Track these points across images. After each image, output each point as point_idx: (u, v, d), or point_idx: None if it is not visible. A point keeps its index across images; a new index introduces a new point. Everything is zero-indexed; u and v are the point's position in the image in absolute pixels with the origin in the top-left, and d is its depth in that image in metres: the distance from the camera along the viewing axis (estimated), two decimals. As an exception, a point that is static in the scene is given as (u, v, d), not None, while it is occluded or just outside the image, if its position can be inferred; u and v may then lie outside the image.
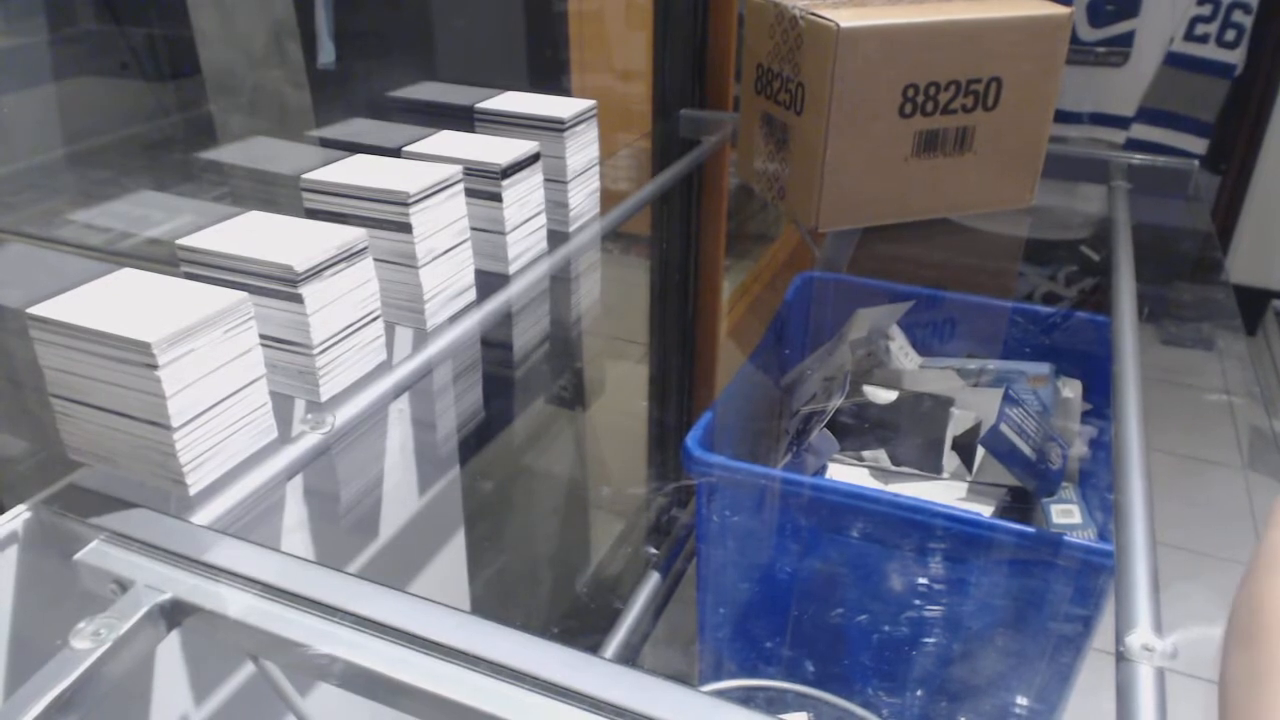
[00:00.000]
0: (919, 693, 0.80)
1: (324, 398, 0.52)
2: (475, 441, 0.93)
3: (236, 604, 0.41)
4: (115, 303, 0.44)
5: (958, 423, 0.84)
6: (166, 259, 0.52)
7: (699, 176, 1.13)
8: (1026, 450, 0.76)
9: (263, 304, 0.50)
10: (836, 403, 0.82)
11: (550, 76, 1.11)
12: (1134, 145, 2.06)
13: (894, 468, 0.83)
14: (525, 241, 0.68)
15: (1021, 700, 0.77)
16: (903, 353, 0.94)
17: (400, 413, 0.71)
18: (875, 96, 0.71)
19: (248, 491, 0.47)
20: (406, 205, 0.56)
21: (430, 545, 0.83)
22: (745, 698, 0.85)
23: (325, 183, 0.57)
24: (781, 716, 0.80)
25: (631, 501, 1.34)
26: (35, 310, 0.44)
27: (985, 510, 0.78)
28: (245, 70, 0.67)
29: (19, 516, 0.45)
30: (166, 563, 0.43)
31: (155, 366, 0.42)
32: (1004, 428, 0.75)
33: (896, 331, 0.95)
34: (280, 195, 0.62)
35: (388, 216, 0.57)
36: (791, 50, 0.74)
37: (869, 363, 0.93)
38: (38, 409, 0.47)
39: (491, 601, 0.98)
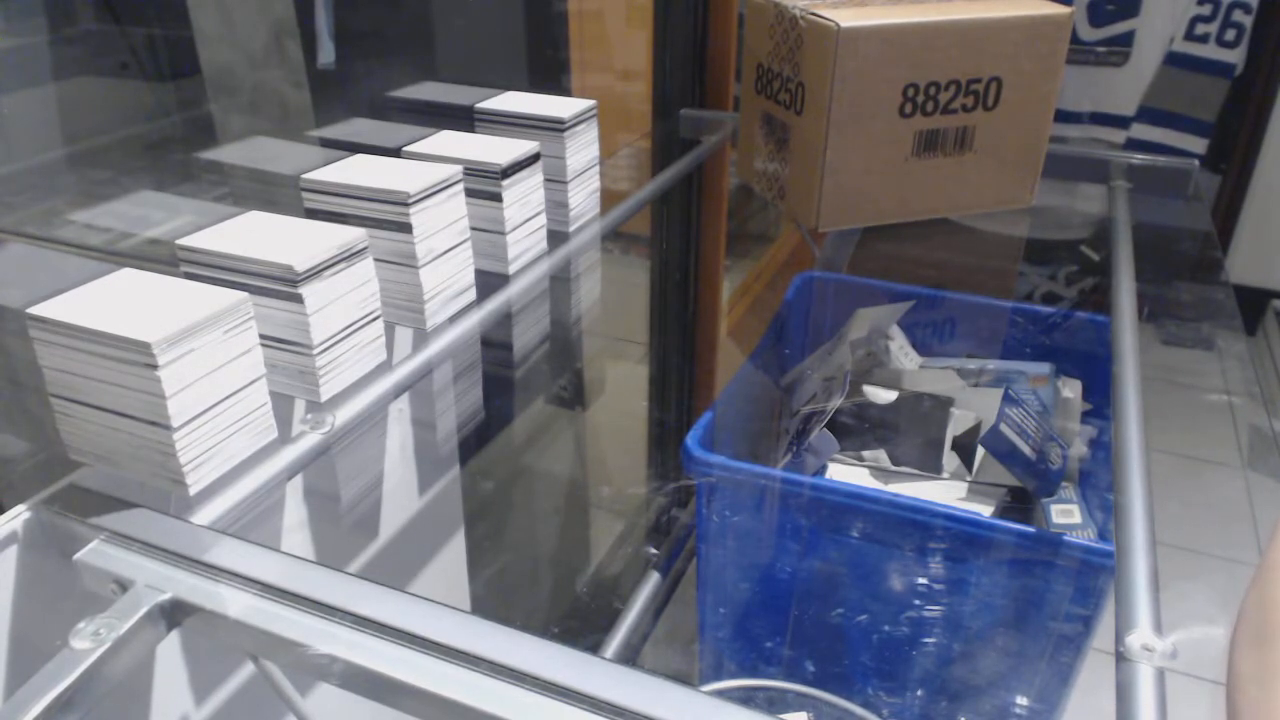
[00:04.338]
0: (919, 693, 0.80)
1: (324, 398, 0.52)
2: (475, 441, 0.93)
3: (236, 604, 0.41)
4: (115, 303, 0.44)
5: (958, 423, 0.84)
6: (166, 259, 0.52)
7: (699, 176, 1.13)
8: (1026, 450, 0.76)
9: (263, 304, 0.50)
10: (836, 403, 0.82)
11: (550, 76, 1.11)
12: (1134, 145, 2.06)
13: (894, 468, 0.83)
14: (525, 241, 0.68)
15: (1021, 700, 0.77)
16: (903, 353, 0.94)
17: (400, 413, 0.71)
18: (875, 96, 0.71)
19: (248, 491, 0.47)
20: (406, 205, 0.56)
21: (430, 545, 0.83)
22: (745, 698, 0.85)
23: (325, 183, 0.57)
24: (781, 716, 0.80)
25: (631, 501, 1.34)
26: (35, 310, 0.44)
27: (985, 510, 0.78)
28: (245, 70, 0.67)
29: (19, 516, 0.45)
30: (166, 563, 0.43)
31: (155, 366, 0.42)
32: (1004, 428, 0.75)
33: (896, 331, 0.95)
34: (280, 195, 0.62)
35: (388, 216, 0.57)
36: (791, 50, 0.74)
37: (869, 363, 0.93)
38: (38, 409, 0.47)
39: (491, 601, 0.98)
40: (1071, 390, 0.90)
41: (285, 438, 0.50)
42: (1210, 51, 1.97)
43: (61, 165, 0.60)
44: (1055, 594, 0.70)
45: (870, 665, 0.80)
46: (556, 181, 0.72)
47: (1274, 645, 0.30)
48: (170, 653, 0.55)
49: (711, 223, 1.17)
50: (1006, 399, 0.77)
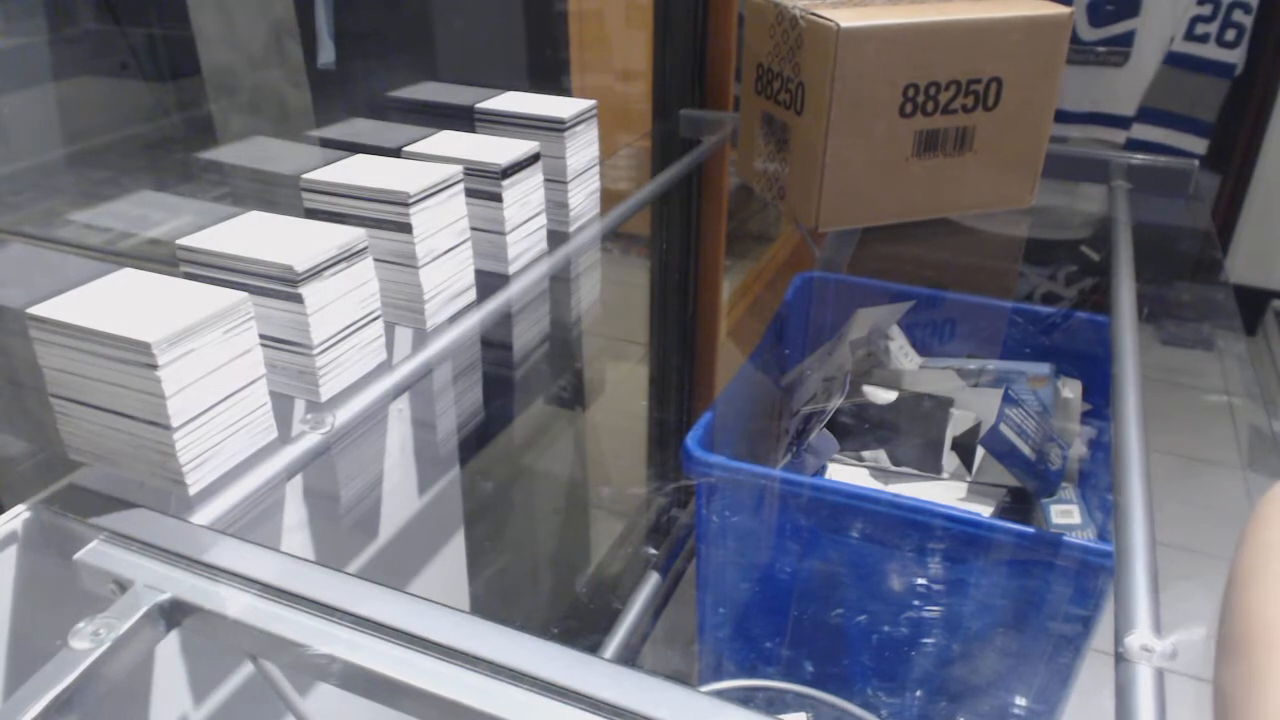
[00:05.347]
0: (918, 693, 0.80)
1: (324, 398, 0.52)
2: (475, 441, 0.93)
3: (236, 604, 0.41)
4: (115, 303, 0.44)
5: (958, 423, 0.84)
6: (166, 259, 0.52)
7: (699, 176, 1.13)
8: (1026, 450, 0.76)
9: (263, 304, 0.50)
10: (836, 403, 0.82)
11: (550, 76, 1.11)
12: (1134, 145, 2.06)
13: (894, 468, 0.83)
14: (525, 241, 0.68)
15: (1021, 700, 0.77)
16: (903, 353, 0.94)
17: (400, 413, 0.71)
18: (875, 96, 0.71)
19: (247, 491, 0.47)
20: (406, 205, 0.56)
21: (430, 545, 0.83)
22: (745, 698, 0.85)
23: (325, 183, 0.57)
24: (781, 716, 0.80)
25: (631, 501, 1.34)
26: (35, 310, 0.44)
27: (985, 510, 0.78)
28: (245, 70, 0.67)
29: (19, 516, 0.45)
30: (166, 563, 0.43)
31: (155, 366, 0.42)
32: (1004, 428, 0.75)
33: (896, 331, 0.95)
34: (280, 195, 0.62)
35: (388, 216, 0.57)
36: (792, 50, 0.74)
37: (869, 363, 0.93)
38: (38, 409, 0.47)
39: (491, 601, 0.98)
40: (1071, 390, 0.90)
41: (285, 438, 0.50)
42: (1210, 51, 1.97)
43: (61, 165, 0.60)
44: (1055, 594, 0.70)
45: (870, 665, 0.80)
46: (556, 181, 0.72)
47: (1251, 653, 0.30)
48: (170, 653, 0.55)
49: (711, 223, 1.17)
50: (1006, 399, 0.77)
